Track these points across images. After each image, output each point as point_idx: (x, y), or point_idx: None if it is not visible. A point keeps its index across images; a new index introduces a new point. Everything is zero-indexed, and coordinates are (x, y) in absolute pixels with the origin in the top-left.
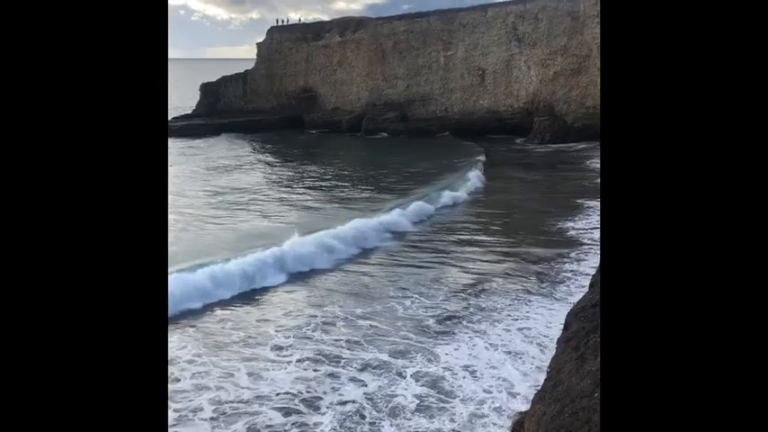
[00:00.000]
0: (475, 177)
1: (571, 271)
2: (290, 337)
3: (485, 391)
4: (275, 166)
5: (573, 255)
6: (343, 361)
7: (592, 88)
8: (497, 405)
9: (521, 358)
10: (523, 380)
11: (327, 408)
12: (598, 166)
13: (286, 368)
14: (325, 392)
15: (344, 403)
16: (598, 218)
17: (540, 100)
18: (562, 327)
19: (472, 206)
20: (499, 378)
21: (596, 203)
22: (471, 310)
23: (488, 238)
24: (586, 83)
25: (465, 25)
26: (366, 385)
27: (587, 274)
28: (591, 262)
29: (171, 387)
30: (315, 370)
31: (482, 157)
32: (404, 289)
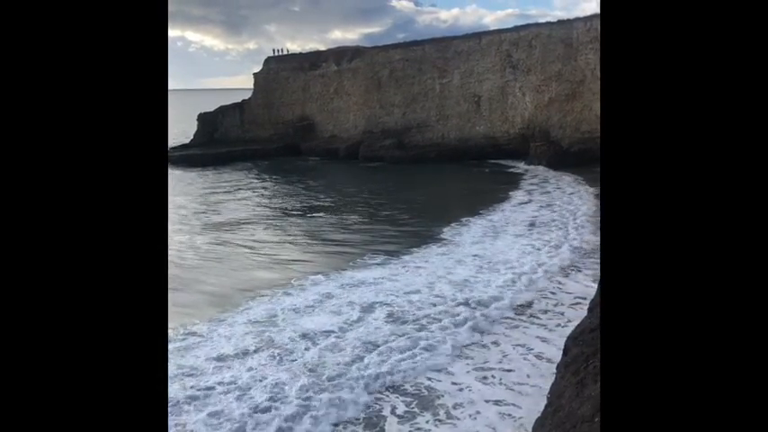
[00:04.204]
0: None
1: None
2: None
3: None
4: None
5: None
6: None
7: (587, 113)
8: None
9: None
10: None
11: None
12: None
13: None
14: None
15: None
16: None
17: (535, 125)
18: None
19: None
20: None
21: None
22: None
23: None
24: (581, 108)
25: (460, 53)
26: None
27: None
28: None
29: None
30: None
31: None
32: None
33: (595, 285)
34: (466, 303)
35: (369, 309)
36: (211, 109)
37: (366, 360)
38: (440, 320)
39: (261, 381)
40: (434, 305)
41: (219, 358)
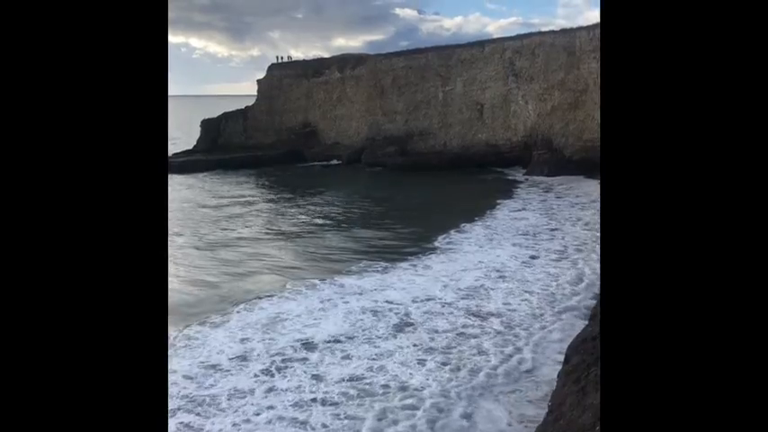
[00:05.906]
0: None
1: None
2: None
3: None
4: None
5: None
6: None
7: (589, 122)
8: None
9: None
10: None
11: None
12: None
13: None
14: None
15: None
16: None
17: (538, 134)
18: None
19: None
20: None
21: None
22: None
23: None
24: (583, 117)
25: (463, 61)
26: None
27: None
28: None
29: None
30: None
31: None
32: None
33: (592, 291)
34: (472, 313)
35: (372, 316)
36: (215, 115)
37: (368, 378)
38: (444, 329)
39: (266, 387)
40: (441, 314)
41: (219, 365)
